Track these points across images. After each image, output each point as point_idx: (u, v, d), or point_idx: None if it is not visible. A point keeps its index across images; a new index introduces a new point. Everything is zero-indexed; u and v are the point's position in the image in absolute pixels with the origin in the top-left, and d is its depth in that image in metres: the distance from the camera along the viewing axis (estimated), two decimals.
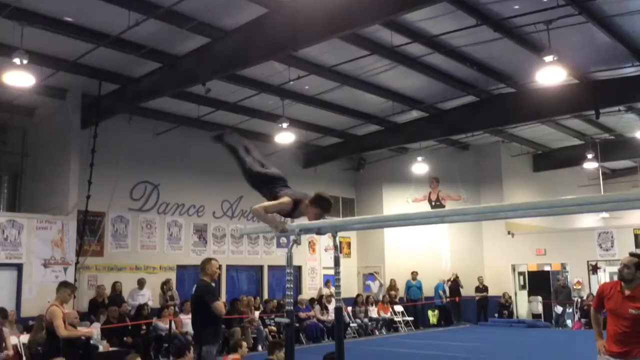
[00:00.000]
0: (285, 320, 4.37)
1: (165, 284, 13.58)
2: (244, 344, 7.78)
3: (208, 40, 10.42)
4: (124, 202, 14.03)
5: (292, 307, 4.44)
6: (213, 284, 6.91)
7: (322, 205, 4.70)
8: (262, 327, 13.28)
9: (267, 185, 5.19)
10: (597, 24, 9.79)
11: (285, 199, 4.78)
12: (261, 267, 16.72)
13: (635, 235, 16.69)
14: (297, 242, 4.70)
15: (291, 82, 11.98)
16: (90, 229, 13.23)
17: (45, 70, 10.79)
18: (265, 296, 16.09)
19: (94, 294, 12.69)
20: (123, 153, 13.70)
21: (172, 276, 14.39)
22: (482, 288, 18.68)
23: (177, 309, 12.48)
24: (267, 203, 4.86)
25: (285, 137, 13.99)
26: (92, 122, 12.58)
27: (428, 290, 18.71)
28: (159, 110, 13.98)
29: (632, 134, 16.45)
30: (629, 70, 12.12)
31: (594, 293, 17.28)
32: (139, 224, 14.30)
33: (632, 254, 4.88)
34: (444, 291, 18.79)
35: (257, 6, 9.35)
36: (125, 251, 13.96)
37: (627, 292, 4.65)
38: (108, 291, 12.74)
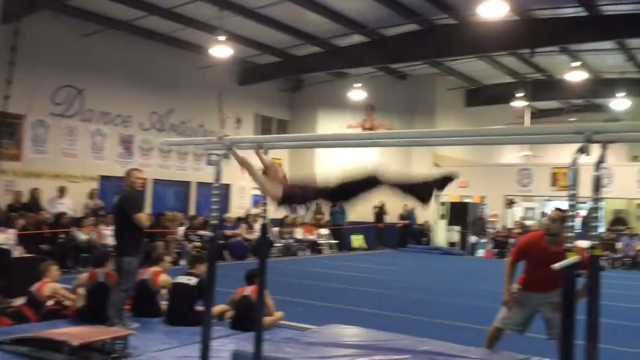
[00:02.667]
0: (209, 234, 4.30)
1: (93, 194, 13.19)
2: (167, 257, 7.70)
3: None
4: (45, 106, 13.25)
5: (217, 222, 4.36)
6: (138, 196, 6.70)
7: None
8: (186, 243, 13.24)
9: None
10: None
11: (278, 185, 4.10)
12: (189, 183, 16.48)
13: (553, 174, 17.51)
14: (226, 156, 4.56)
15: None
16: (7, 131, 12.48)
17: None
18: (192, 212, 15.97)
19: (11, 199, 12.16)
20: (47, 53, 12.82)
21: (95, 187, 13.97)
22: (405, 216, 19.29)
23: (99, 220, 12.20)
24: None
25: (221, 50, 13.46)
26: (14, 17, 11.67)
27: (355, 215, 19.09)
28: (88, 10, 13.07)
29: (562, 75, 16.90)
30: (568, 11, 12.28)
31: (507, 225, 18.35)
32: (60, 130, 13.60)
33: (557, 209, 5.01)
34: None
35: None
36: (45, 157, 13.32)
37: (552, 248, 4.72)
38: (26, 198, 12.25)
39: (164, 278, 7.02)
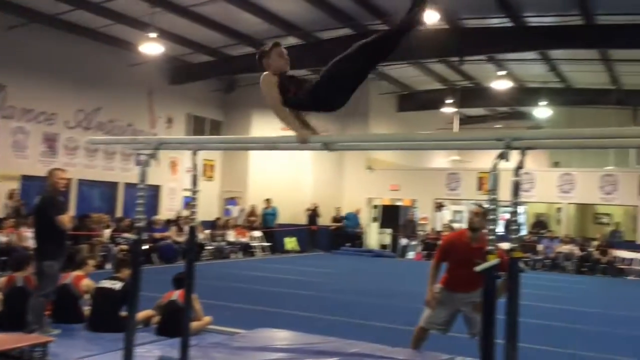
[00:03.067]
0: (133, 237, 4.17)
1: (13, 194, 12.57)
2: (91, 261, 7.44)
3: None
4: None
5: (141, 224, 4.24)
6: (61, 198, 6.44)
7: (269, 49, 3.92)
8: (112, 245, 12.82)
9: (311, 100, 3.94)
10: None
11: (265, 77, 3.83)
12: (116, 184, 15.98)
13: (479, 178, 18.13)
14: (153, 156, 4.44)
15: None
16: None
17: None
18: (119, 214, 15.49)
19: None
20: None
21: (16, 186, 13.31)
22: (338, 218, 19.45)
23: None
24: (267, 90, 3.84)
25: (152, 48, 13.14)
26: None
27: (288, 218, 19.10)
28: (12, 2, 12.43)
29: (489, 83, 17.52)
30: (495, 21, 12.74)
31: (437, 228, 18.85)
32: None
33: (479, 205, 5.19)
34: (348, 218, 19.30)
35: None
36: None
37: (474, 244, 4.87)
38: None
39: (86, 282, 6.77)
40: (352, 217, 19.39)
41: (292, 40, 15.03)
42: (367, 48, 3.71)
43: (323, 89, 3.75)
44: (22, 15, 12.75)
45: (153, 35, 12.52)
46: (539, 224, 19.37)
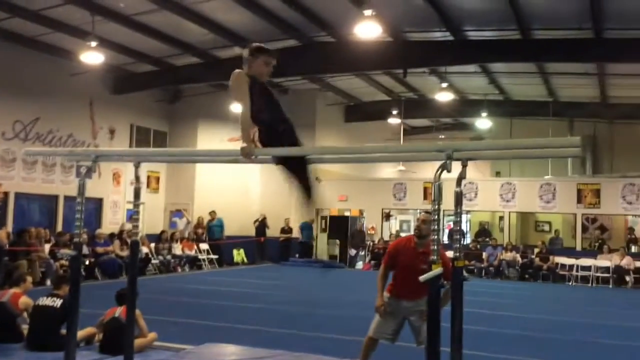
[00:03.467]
0: (70, 252, 4.02)
1: None
2: (29, 278, 7.16)
3: None
4: None
5: (79, 239, 4.09)
6: None
7: (261, 50, 3.85)
8: (52, 261, 12.35)
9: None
10: None
11: (235, 74, 3.76)
12: (56, 197, 15.42)
13: (425, 188, 18.45)
14: (92, 169, 4.30)
15: None
16: None
17: None
18: (60, 228, 14.94)
19: None
20: None
21: None
22: (287, 230, 19.38)
23: None
24: (235, 86, 3.79)
25: (93, 57, 12.79)
26: None
27: (237, 229, 18.89)
28: None
29: (432, 95, 17.91)
30: (437, 35, 13.04)
31: (385, 238, 19.06)
32: None
33: (426, 212, 5.26)
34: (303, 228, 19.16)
35: None
36: None
37: (420, 250, 4.94)
38: None
39: (24, 300, 6.51)
40: (308, 227, 19.31)
41: (237, 51, 14.95)
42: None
43: (284, 138, 3.79)
44: None
45: (94, 44, 12.19)
46: (483, 232, 19.85)
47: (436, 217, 3.41)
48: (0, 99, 13.85)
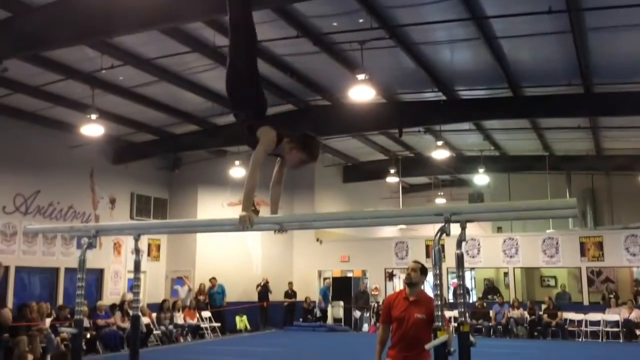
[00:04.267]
0: (72, 330, 3.96)
1: None
2: (30, 356, 7.03)
3: (9, 14, 9.30)
4: None
5: (80, 316, 4.05)
6: None
7: (311, 149, 3.77)
8: (53, 336, 12.12)
9: (248, 103, 3.95)
10: (404, 49, 10.58)
11: (269, 132, 3.74)
12: (57, 269, 15.30)
13: (427, 246, 18.36)
14: (92, 244, 4.31)
15: (104, 71, 11.17)
16: None
17: None
18: (60, 301, 14.75)
19: None
20: None
21: None
22: (291, 293, 19.11)
23: None
24: (262, 146, 3.73)
25: (93, 129, 12.98)
26: None
27: (239, 295, 18.66)
28: None
29: (429, 153, 18.10)
30: (429, 95, 13.32)
31: None
32: None
33: (415, 261, 5.29)
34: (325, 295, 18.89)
35: None
36: None
37: (411, 298, 4.93)
38: None
39: None
40: (325, 291, 19.11)
41: (234, 118, 15.22)
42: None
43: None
44: None
45: (94, 116, 12.41)
46: (491, 290, 19.19)
47: (437, 282, 3.38)
48: (1, 173, 13.98)
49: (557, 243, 17.44)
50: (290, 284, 19.13)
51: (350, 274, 20.41)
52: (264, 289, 18.85)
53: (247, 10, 4.14)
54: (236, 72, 3.96)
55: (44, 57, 10.82)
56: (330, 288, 19.43)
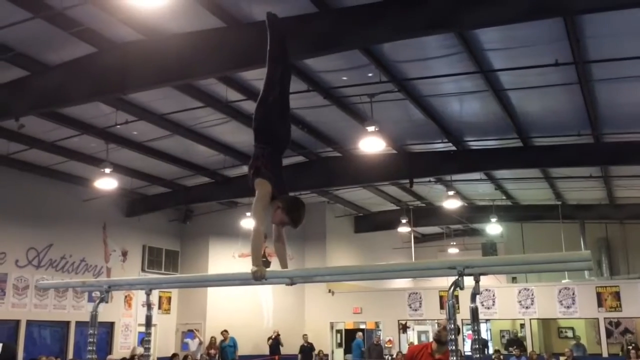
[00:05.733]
0: None
1: None
2: None
3: (27, 73, 9.59)
4: None
5: None
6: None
7: (293, 215, 3.83)
8: None
9: (269, 137, 4.05)
10: (413, 101, 10.74)
11: (266, 187, 3.82)
12: (68, 323, 15.21)
13: (441, 297, 18.07)
14: (104, 299, 4.31)
15: (118, 126, 11.41)
16: None
17: None
18: (71, 355, 14.61)
19: None
20: None
21: None
22: (307, 346, 18.62)
23: None
24: (257, 201, 3.79)
25: (107, 183, 13.14)
26: None
27: (251, 348, 18.36)
28: None
29: (440, 202, 18.06)
30: (439, 146, 13.41)
31: (403, 351, 18.38)
32: None
33: (448, 319, 5.19)
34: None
35: (85, 44, 8.85)
36: None
37: (437, 356, 4.85)
38: None
39: None
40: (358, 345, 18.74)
41: (246, 169, 15.30)
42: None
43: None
44: None
45: (108, 170, 12.59)
46: (514, 342, 18.28)
47: (452, 336, 3.33)
48: (15, 227, 14.09)
49: (573, 293, 17.09)
50: (305, 336, 18.74)
51: (363, 326, 20.06)
52: (275, 342, 18.51)
53: (286, 47, 4.24)
54: (266, 105, 4.06)
55: (59, 113, 11.09)
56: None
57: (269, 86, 4.07)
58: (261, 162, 3.96)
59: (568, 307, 17.09)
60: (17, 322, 14.01)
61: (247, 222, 17.38)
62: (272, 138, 4.05)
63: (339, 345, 19.74)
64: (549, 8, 6.91)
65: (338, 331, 19.83)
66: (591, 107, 10.50)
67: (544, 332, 19.70)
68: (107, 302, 4.29)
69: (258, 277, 3.62)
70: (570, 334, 19.68)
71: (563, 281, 18.22)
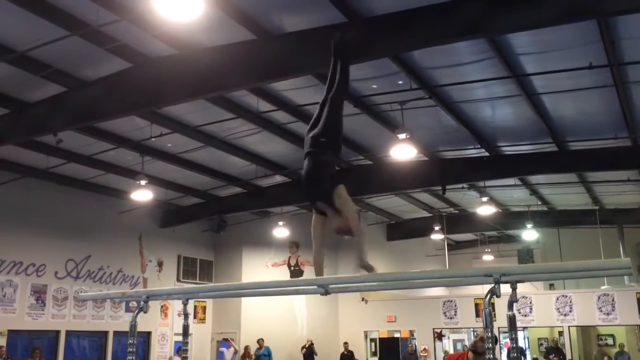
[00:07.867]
0: None
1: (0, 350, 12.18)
2: None
3: (64, 89, 9.87)
4: None
5: None
6: None
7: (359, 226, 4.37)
8: None
9: (338, 149, 4.76)
10: (445, 108, 10.67)
11: (346, 192, 4.35)
12: (106, 333, 15.50)
13: (476, 304, 17.83)
14: (143, 309, 4.40)
15: (153, 139, 11.63)
16: None
17: None
18: None
19: None
20: None
21: (2, 342, 12.88)
22: (347, 355, 18.53)
23: None
24: (350, 202, 4.30)
25: (143, 194, 13.38)
26: None
27: (285, 357, 18.39)
28: (4, 159, 12.84)
29: (474, 209, 17.86)
30: (472, 152, 13.28)
31: None
32: None
33: (486, 329, 5.14)
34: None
35: (121, 60, 9.06)
36: None
37: None
38: None
39: None
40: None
41: (278, 179, 15.49)
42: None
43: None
44: (14, 170, 13.07)
45: (143, 182, 12.81)
46: (554, 350, 18.06)
47: (489, 345, 3.31)
48: (54, 239, 14.45)
49: (613, 300, 16.67)
50: (346, 344, 18.60)
51: (397, 334, 19.90)
52: (309, 351, 18.49)
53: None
54: (338, 120, 4.64)
55: (96, 127, 11.36)
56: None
57: (340, 103, 4.65)
58: (334, 169, 4.49)
59: (608, 314, 16.67)
60: (57, 332, 14.33)
61: (280, 232, 17.48)
62: (339, 148, 4.66)
63: (374, 354, 19.61)
64: (582, 10, 6.80)
65: (372, 340, 19.71)
66: (627, 109, 10.29)
67: (583, 340, 19.25)
68: (145, 312, 4.36)
69: (370, 269, 4.07)
70: (610, 341, 19.19)
71: (602, 287, 17.78)
